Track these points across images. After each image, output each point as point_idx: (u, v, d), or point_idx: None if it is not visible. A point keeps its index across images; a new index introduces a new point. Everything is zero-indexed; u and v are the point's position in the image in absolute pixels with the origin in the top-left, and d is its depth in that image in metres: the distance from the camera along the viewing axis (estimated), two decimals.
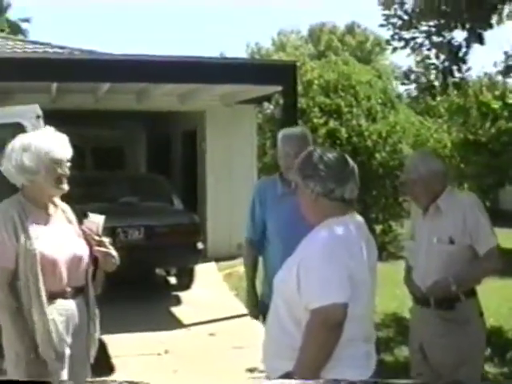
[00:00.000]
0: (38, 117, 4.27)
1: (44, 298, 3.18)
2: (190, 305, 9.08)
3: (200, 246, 9.42)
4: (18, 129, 4.16)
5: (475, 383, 3.87)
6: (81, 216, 3.54)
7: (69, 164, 3.35)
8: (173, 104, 12.04)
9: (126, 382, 1.71)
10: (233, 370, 6.23)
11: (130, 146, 16.07)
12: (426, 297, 3.84)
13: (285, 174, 4.37)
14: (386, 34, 6.14)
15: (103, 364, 3.62)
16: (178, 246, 9.07)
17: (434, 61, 5.67)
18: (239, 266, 12.03)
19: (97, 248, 3.47)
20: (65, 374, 3.28)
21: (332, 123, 14.33)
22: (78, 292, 3.38)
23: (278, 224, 4.32)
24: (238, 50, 43.61)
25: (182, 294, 9.70)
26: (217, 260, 11.96)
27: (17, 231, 3.18)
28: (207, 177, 13.04)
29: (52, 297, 3.23)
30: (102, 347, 3.61)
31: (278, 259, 4.34)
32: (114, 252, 3.51)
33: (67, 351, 3.29)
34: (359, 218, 3.00)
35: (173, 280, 10.47)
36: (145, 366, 6.29)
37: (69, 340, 3.31)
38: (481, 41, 5.51)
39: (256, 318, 4.59)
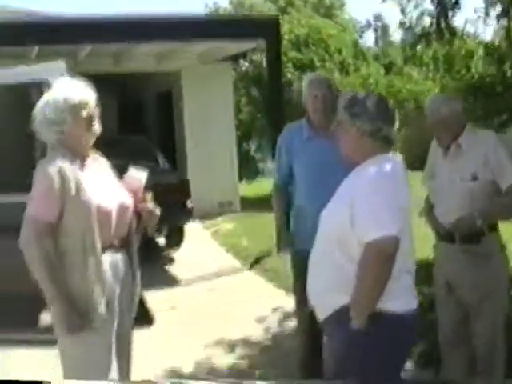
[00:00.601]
0: (63, 74, 4.18)
1: (100, 250, 3.15)
2: (183, 263, 9.15)
3: (190, 204, 9.46)
4: (44, 86, 4.11)
5: None
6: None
7: (94, 105, 3.30)
8: (149, 65, 11.95)
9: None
10: (243, 321, 6.34)
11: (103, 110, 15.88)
12: (450, 233, 3.95)
13: (312, 116, 4.46)
14: None
15: (143, 316, 3.66)
16: (168, 206, 9.04)
17: (428, 6, 5.71)
18: (223, 224, 12.17)
19: (141, 205, 3.44)
20: (113, 329, 3.31)
21: None
22: (123, 244, 3.36)
23: (305, 166, 4.41)
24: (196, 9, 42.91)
25: (174, 253, 9.77)
26: (201, 219, 12.01)
27: (66, 184, 3.11)
28: (186, 137, 13.04)
29: (103, 249, 3.20)
30: (141, 300, 3.63)
31: (304, 201, 4.45)
32: (156, 209, 3.50)
33: (116, 305, 3.30)
34: (400, 158, 3.08)
35: (161, 240, 10.50)
36: (159, 323, 6.36)
37: (117, 292, 3.32)
38: None
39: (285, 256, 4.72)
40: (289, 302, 6.74)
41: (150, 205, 3.47)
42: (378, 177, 2.91)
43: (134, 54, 11.17)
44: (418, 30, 6.27)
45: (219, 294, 7.50)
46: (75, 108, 3.23)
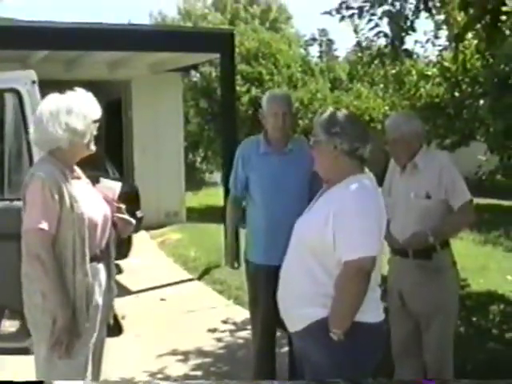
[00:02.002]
0: (34, 82, 4.20)
1: (88, 261, 3.22)
2: (132, 272, 9.12)
3: (139, 214, 9.46)
4: (14, 95, 4.13)
5: None
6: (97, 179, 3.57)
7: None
8: (101, 73, 11.92)
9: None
10: (195, 331, 6.40)
11: None
12: (404, 248, 4.11)
13: (270, 133, 4.57)
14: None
15: (113, 325, 3.71)
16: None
17: (382, 29, 5.90)
18: (170, 234, 12.19)
19: (116, 214, 3.50)
20: (94, 337, 3.37)
21: (254, 91, 14.55)
22: (103, 254, 3.41)
23: (260, 180, 4.54)
24: (141, 19, 42.73)
25: (122, 263, 9.73)
26: (147, 229, 11.99)
27: (62, 195, 3.16)
28: (134, 146, 13.02)
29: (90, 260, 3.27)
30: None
31: (259, 215, 4.57)
32: (131, 219, 3.56)
33: (98, 316, 3.36)
34: (373, 177, 3.20)
35: None
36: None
37: (100, 302, 3.37)
38: (429, 10, 5.81)
39: (235, 268, 4.83)
40: (239, 313, 6.86)
41: (124, 214, 3.54)
42: (361, 198, 3.01)
43: (85, 62, 11.14)
44: (373, 50, 6.47)
45: (170, 304, 7.54)
46: (94, 125, 3.31)
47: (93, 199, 3.38)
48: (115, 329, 3.79)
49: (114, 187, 3.54)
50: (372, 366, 3.18)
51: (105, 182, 3.57)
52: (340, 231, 2.96)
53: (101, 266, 3.40)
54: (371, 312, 3.06)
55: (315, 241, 3.05)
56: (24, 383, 2.07)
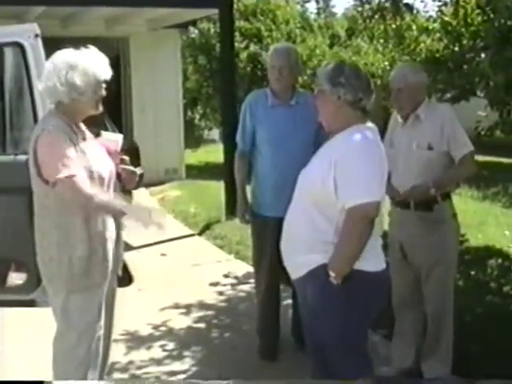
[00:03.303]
0: (37, 36, 4.19)
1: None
2: (132, 228, 9.16)
3: (139, 170, 9.45)
4: (17, 48, 4.11)
5: None
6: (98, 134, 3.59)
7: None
8: (98, 29, 11.83)
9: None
10: (195, 285, 6.47)
11: None
12: (405, 199, 4.15)
13: (272, 85, 4.59)
14: None
15: (123, 275, 3.78)
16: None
17: None
18: (169, 191, 12.22)
19: (121, 166, 3.55)
20: (104, 284, 3.45)
21: (253, 47, 14.46)
22: None
23: (268, 132, 4.55)
24: None
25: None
26: (146, 186, 12.02)
27: (73, 147, 3.21)
28: (133, 103, 12.99)
29: None
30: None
31: (266, 167, 4.59)
32: (135, 169, 3.59)
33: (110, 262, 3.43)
34: (376, 127, 3.24)
35: None
36: None
37: (110, 248, 3.44)
38: None
39: (247, 223, 4.82)
40: (240, 268, 6.94)
41: (128, 166, 3.56)
42: (364, 145, 3.08)
43: (82, 18, 11.07)
44: (373, 4, 6.43)
45: (171, 259, 7.61)
46: (98, 85, 3.31)
47: (98, 154, 3.42)
48: (125, 279, 3.85)
49: (116, 139, 3.58)
50: (370, 315, 3.25)
51: (106, 135, 3.60)
52: (342, 178, 3.01)
53: (108, 218, 3.43)
54: (372, 260, 3.12)
55: (317, 190, 3.10)
56: (24, 383, 2.10)
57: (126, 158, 3.58)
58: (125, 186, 3.61)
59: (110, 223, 3.44)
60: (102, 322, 3.46)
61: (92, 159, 3.30)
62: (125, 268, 3.77)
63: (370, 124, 3.20)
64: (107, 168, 3.41)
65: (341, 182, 3.00)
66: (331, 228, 3.04)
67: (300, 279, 3.22)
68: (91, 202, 3.22)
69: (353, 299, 3.07)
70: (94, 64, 3.31)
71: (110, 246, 3.42)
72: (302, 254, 3.17)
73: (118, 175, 3.55)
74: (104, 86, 3.36)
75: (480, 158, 10.79)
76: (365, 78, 3.25)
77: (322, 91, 3.20)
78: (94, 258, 3.32)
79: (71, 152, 3.19)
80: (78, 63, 3.26)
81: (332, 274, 3.02)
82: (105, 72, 3.35)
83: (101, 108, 3.40)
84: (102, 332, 3.46)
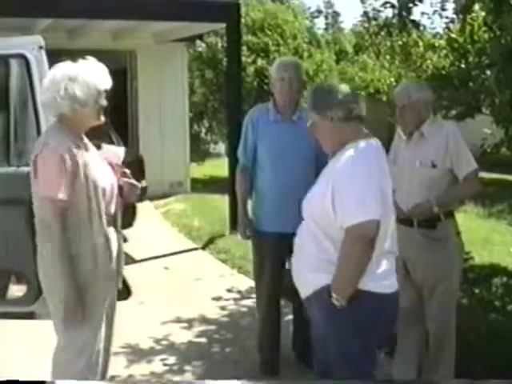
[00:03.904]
0: (41, 48, 4.20)
1: (106, 225, 3.30)
2: (136, 241, 9.13)
3: (144, 183, 9.46)
4: (21, 60, 4.12)
5: None
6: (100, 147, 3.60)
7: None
8: (105, 42, 11.87)
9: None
10: (198, 299, 6.45)
11: None
12: (408, 217, 4.12)
13: (278, 99, 4.59)
14: None
15: (122, 288, 3.77)
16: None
17: None
18: (174, 204, 12.22)
19: (122, 178, 3.53)
20: (105, 297, 3.44)
21: (260, 62, 14.49)
22: (111, 219, 3.45)
23: (269, 148, 4.53)
24: None
25: (126, 232, 9.75)
26: (151, 199, 12.02)
27: (76, 162, 3.21)
28: (139, 116, 13.01)
29: None
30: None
31: (267, 182, 4.57)
32: (137, 183, 3.59)
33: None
34: (378, 142, 3.19)
35: None
36: None
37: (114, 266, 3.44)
38: None
39: (247, 238, 4.79)
40: (243, 282, 6.91)
41: (130, 179, 3.56)
42: (358, 162, 3.01)
43: (88, 31, 11.10)
44: (380, 20, 6.43)
45: (174, 273, 7.59)
46: (99, 95, 3.33)
47: (101, 167, 3.42)
48: (124, 292, 3.84)
49: (117, 152, 3.58)
50: (376, 337, 3.17)
51: (108, 148, 3.60)
52: (338, 198, 2.96)
53: (111, 231, 3.43)
54: (378, 281, 3.04)
55: (317, 211, 3.07)
56: (24, 383, 2.09)
57: (127, 171, 3.57)
58: (126, 199, 3.59)
59: (113, 237, 3.43)
60: (102, 335, 3.44)
61: (95, 171, 3.30)
62: (123, 281, 3.75)
63: (368, 137, 3.15)
64: (109, 180, 3.41)
65: (337, 201, 2.96)
66: (336, 249, 3.01)
67: (307, 299, 3.19)
68: (45, 230, 3.26)
69: (356, 321, 3.01)
70: (93, 74, 3.32)
71: (113, 260, 3.41)
72: (308, 272, 3.14)
73: (120, 188, 3.53)
74: (105, 95, 3.37)
75: (485, 175, 10.80)
76: (339, 88, 3.22)
77: (314, 124, 3.18)
78: (96, 272, 3.30)
79: (65, 171, 3.19)
80: (78, 75, 3.27)
81: (334, 295, 2.98)
82: (105, 82, 3.37)
83: (103, 118, 3.41)
84: (101, 345, 3.45)
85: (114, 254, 3.44)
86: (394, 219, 3.21)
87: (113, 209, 3.45)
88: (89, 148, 3.43)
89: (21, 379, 2.10)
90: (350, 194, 2.94)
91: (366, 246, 2.90)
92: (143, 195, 9.75)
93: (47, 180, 3.21)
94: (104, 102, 3.37)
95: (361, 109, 3.16)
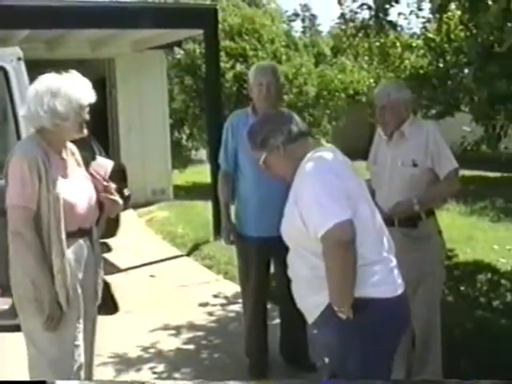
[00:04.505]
0: (19, 59, 4.18)
1: (64, 241, 3.23)
2: (121, 250, 9.11)
3: (127, 192, 9.44)
4: (0, 72, 4.10)
5: None
6: (88, 159, 3.58)
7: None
8: (83, 52, 11.85)
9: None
10: (184, 305, 6.44)
11: None
12: (389, 217, 4.13)
13: (257, 104, 4.59)
14: None
15: (108, 303, 3.73)
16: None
17: (366, 1, 5.90)
18: (157, 212, 12.19)
19: (104, 194, 3.50)
20: (76, 315, 3.37)
21: (238, 67, 14.50)
22: (85, 233, 3.41)
23: (249, 153, 4.53)
24: None
25: (110, 241, 9.72)
26: (134, 207, 12.00)
27: (40, 173, 3.18)
28: (119, 125, 12.99)
29: (67, 236, 3.25)
30: (107, 287, 3.72)
31: (249, 187, 4.58)
32: (119, 199, 3.56)
33: (79, 290, 3.36)
34: (332, 148, 3.18)
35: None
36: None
37: (80, 277, 3.38)
38: None
39: (231, 244, 4.79)
40: (229, 288, 6.91)
41: (112, 194, 3.53)
42: (312, 172, 2.99)
43: (66, 41, 11.07)
44: (357, 22, 6.48)
45: (160, 280, 7.58)
46: (81, 109, 3.29)
47: (76, 180, 3.37)
48: (110, 307, 3.78)
49: (105, 165, 3.55)
50: (389, 341, 3.07)
51: (98, 160, 3.59)
52: (305, 213, 2.94)
53: (82, 243, 3.39)
54: (377, 287, 2.97)
55: (292, 231, 3.06)
56: (24, 383, 2.07)
57: (112, 185, 3.54)
58: (106, 214, 3.57)
59: (84, 250, 3.40)
60: (82, 350, 3.39)
61: (63, 184, 3.26)
62: (111, 297, 3.71)
63: (316, 143, 3.17)
64: (84, 195, 3.37)
65: (305, 216, 2.93)
66: (322, 262, 2.95)
67: (314, 322, 3.12)
68: (17, 238, 3.22)
69: (364, 329, 2.94)
70: (76, 89, 3.28)
71: (78, 272, 3.36)
72: (308, 296, 3.09)
73: (100, 202, 3.52)
74: (88, 109, 3.34)
75: (467, 172, 10.88)
76: (273, 112, 3.43)
77: (266, 159, 3.19)
78: (57, 286, 3.25)
79: (33, 181, 3.17)
80: (60, 89, 3.25)
81: (336, 308, 2.93)
82: (88, 96, 3.34)
83: (85, 131, 3.38)
84: (82, 360, 3.40)
85: (79, 266, 3.38)
86: (381, 219, 3.17)
87: (88, 222, 3.41)
88: (67, 162, 3.38)
89: (21, 380, 2.10)
90: (313, 205, 2.91)
91: (345, 249, 2.84)
92: (126, 204, 9.72)
93: (13, 189, 3.20)
94: (86, 116, 3.34)
95: (298, 124, 3.16)
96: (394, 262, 3.12)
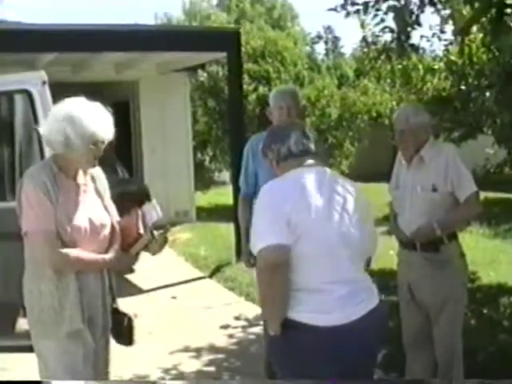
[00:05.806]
0: (44, 83, 4.25)
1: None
2: (143, 272, 9.11)
3: (161, 231, 9.47)
4: (25, 95, 4.18)
5: None
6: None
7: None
8: (108, 74, 12.00)
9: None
10: (206, 327, 6.45)
11: None
12: (411, 241, 4.14)
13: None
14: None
15: (125, 336, 3.76)
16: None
17: (388, 24, 5.94)
18: (180, 233, 12.22)
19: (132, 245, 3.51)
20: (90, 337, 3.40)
21: (261, 89, 14.59)
22: None
23: (269, 176, 4.54)
24: (146, 21, 42.95)
25: None
26: (156, 229, 12.01)
27: (51, 197, 3.18)
28: (143, 146, 13.08)
29: None
30: (129, 321, 3.74)
31: None
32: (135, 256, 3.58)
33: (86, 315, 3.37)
34: (319, 167, 3.19)
35: None
36: None
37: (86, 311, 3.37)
38: (434, 4, 5.85)
39: (252, 267, 4.79)
40: (250, 310, 6.91)
41: (138, 247, 3.54)
42: (261, 195, 3.11)
43: (92, 63, 11.21)
44: (379, 45, 6.51)
45: (181, 302, 7.60)
46: (94, 144, 3.25)
47: (86, 209, 3.33)
48: (125, 338, 3.78)
49: (152, 216, 3.54)
50: (315, 370, 2.91)
51: (151, 205, 3.58)
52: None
53: (87, 275, 3.36)
54: (316, 313, 2.92)
55: None
56: (24, 383, 2.08)
57: (146, 238, 3.54)
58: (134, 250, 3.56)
59: (92, 276, 3.39)
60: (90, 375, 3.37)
61: (72, 215, 3.25)
62: (129, 328, 3.71)
63: (307, 165, 3.18)
64: (95, 223, 3.33)
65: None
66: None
67: None
68: (51, 260, 3.23)
69: (290, 350, 2.97)
70: (94, 123, 3.24)
71: (88, 298, 3.37)
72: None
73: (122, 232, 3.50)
74: (103, 145, 3.30)
75: (490, 195, 10.82)
76: (274, 131, 3.48)
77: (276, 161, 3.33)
78: (61, 309, 3.28)
79: (46, 202, 3.18)
80: (78, 119, 3.21)
81: (267, 324, 3.08)
82: (105, 132, 3.28)
83: (96, 164, 3.36)
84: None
85: (90, 293, 3.38)
86: (335, 248, 3.00)
87: (99, 247, 3.37)
88: (79, 186, 3.35)
89: (21, 380, 2.12)
90: (253, 227, 3.02)
91: (271, 272, 2.87)
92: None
93: (30, 214, 3.20)
94: (99, 152, 3.30)
95: (291, 144, 3.21)
96: (345, 291, 2.98)
